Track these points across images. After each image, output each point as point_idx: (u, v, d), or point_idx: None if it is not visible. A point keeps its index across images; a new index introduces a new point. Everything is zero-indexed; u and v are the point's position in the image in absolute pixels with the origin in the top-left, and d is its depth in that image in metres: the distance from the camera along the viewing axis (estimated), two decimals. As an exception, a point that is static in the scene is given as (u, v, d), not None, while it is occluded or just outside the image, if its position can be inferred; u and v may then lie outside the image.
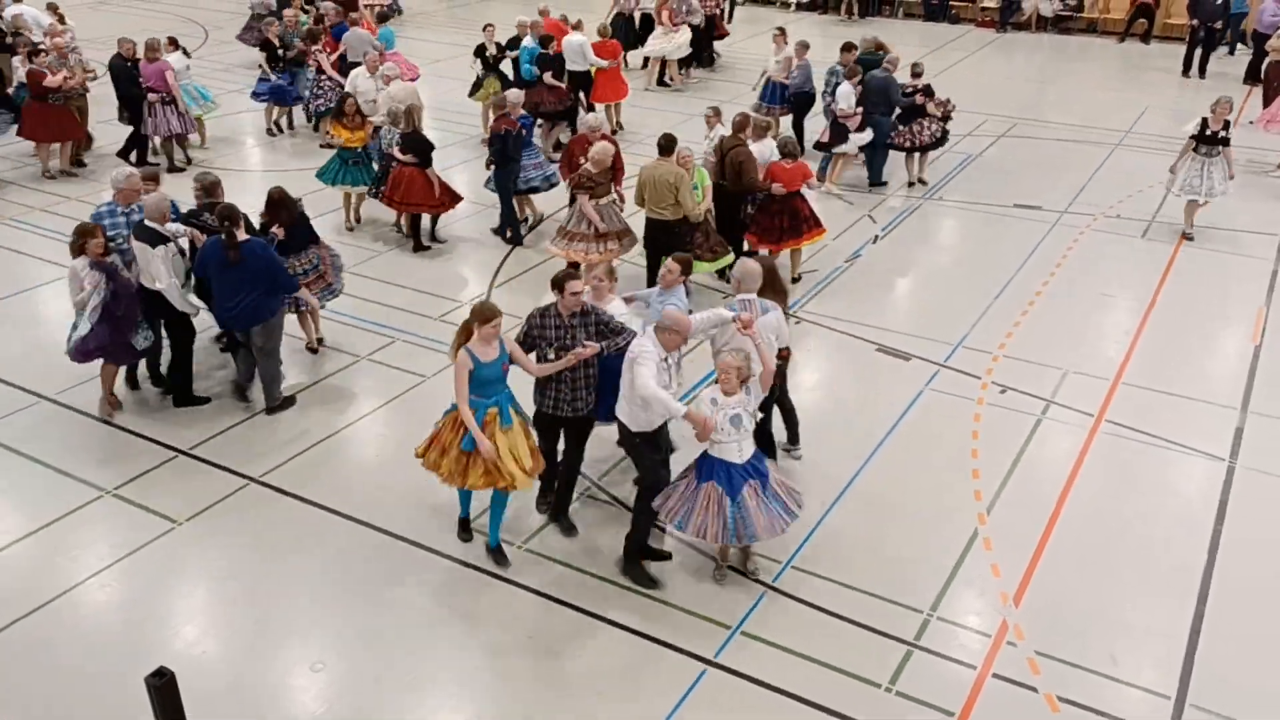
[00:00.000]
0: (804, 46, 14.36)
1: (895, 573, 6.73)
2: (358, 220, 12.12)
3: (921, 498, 7.42)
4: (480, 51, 15.01)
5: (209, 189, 8.64)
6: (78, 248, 7.75)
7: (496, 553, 6.80)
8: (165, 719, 4.35)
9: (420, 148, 11.11)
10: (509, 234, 11.70)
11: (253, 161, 14.58)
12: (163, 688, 4.28)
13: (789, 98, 14.60)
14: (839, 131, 13.02)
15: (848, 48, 13.41)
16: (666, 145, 9.85)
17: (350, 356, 9.32)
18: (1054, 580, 6.71)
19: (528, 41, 14.76)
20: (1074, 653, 6.11)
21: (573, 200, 10.27)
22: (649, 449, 6.58)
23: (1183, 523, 7.28)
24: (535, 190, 11.87)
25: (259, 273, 7.96)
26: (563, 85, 14.61)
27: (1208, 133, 11.73)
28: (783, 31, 15.31)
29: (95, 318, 7.82)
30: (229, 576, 6.73)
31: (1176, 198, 12.09)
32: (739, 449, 6.20)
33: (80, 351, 7.97)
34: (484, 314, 6.29)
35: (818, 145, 13.42)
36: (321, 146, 13.94)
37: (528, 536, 6.99)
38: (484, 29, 15.27)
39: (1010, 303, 10.40)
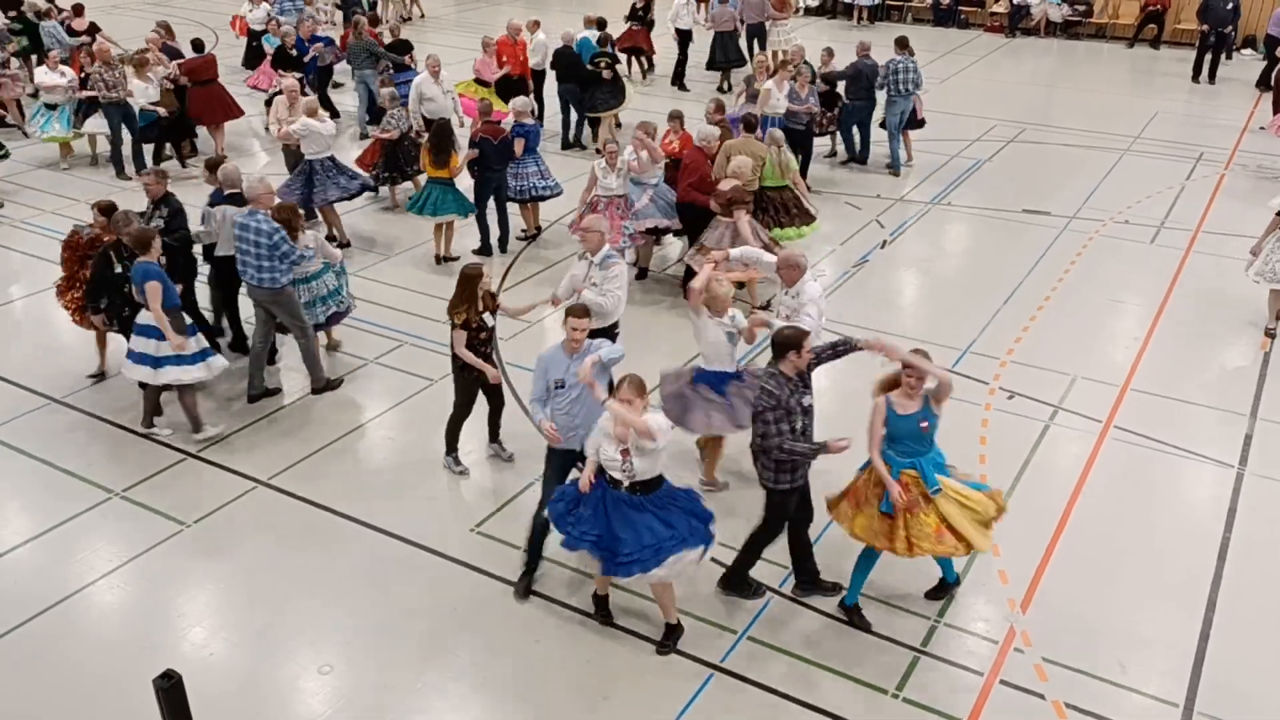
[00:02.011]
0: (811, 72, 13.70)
1: (902, 578, 6.71)
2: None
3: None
4: (611, 63, 14.86)
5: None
6: (295, 229, 8.44)
7: (852, 611, 6.37)
8: (173, 721, 4.36)
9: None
10: (482, 244, 11.48)
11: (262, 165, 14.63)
12: (170, 690, 4.29)
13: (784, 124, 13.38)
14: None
15: (903, 42, 13.96)
16: (749, 123, 10.74)
17: (358, 360, 9.33)
18: (1062, 587, 6.69)
19: (588, 34, 15.36)
20: (1082, 660, 6.09)
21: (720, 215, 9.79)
22: None
23: (1191, 529, 7.26)
24: (539, 198, 11.76)
25: None
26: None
27: None
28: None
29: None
30: (237, 579, 6.75)
31: (1255, 284, 9.90)
32: (731, 359, 7.20)
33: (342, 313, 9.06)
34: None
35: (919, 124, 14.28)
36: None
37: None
38: (603, 47, 14.96)
39: (1018, 308, 10.38)
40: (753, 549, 6.41)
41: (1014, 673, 6.02)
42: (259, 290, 8.34)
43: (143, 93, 13.41)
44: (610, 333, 7.59)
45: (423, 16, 24.54)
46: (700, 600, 6.51)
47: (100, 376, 8.85)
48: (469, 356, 7.23)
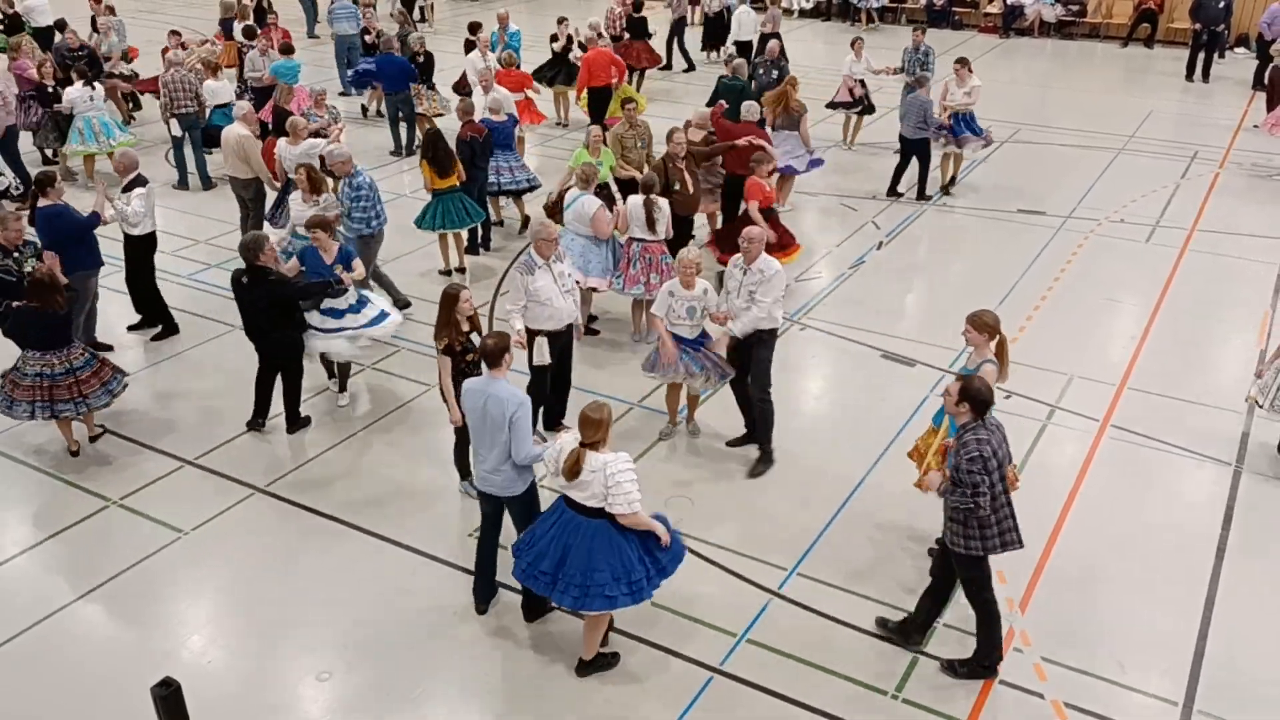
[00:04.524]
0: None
1: (901, 579, 6.72)
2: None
3: (927, 504, 7.40)
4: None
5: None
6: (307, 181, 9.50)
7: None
8: (171, 729, 4.36)
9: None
10: (469, 243, 11.60)
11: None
12: (169, 698, 4.29)
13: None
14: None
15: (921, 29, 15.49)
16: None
17: (355, 366, 9.31)
18: (1060, 586, 6.69)
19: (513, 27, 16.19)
20: (1081, 659, 6.10)
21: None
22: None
23: (1189, 528, 7.27)
24: (518, 192, 11.86)
25: None
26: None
27: None
28: (964, 62, 13.77)
29: None
30: (235, 586, 6.75)
31: (1264, 416, 8.02)
32: (690, 330, 7.75)
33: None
34: None
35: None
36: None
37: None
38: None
39: (1015, 308, 10.38)
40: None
41: (1013, 673, 6.02)
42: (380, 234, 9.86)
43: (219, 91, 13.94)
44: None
45: (432, 26, 24.27)
46: (699, 603, 6.52)
47: (77, 453, 8.17)
48: (446, 390, 7.00)
